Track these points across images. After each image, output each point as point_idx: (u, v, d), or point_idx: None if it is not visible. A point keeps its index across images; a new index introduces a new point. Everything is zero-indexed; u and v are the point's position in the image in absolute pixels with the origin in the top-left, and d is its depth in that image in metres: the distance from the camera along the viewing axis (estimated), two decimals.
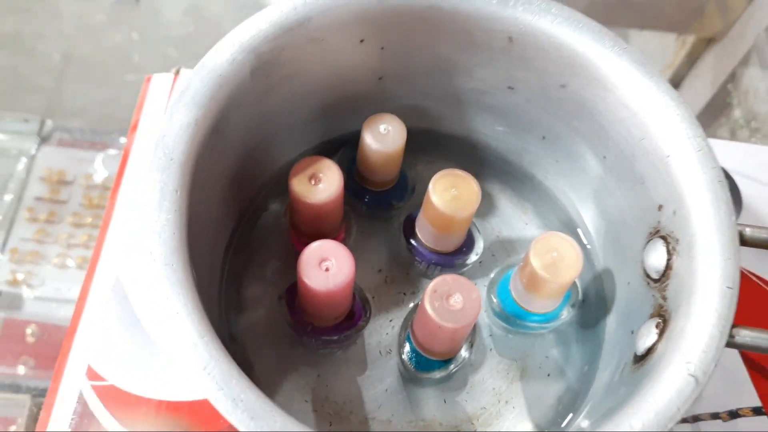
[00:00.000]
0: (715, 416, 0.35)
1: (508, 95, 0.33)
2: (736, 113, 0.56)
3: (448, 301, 0.28)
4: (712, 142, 0.43)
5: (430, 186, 0.31)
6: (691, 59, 0.65)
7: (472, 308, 0.28)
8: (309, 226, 0.31)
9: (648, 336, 0.26)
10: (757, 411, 0.35)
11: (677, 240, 0.26)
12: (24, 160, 0.75)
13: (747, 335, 0.23)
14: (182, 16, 0.80)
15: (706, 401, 0.35)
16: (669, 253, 0.27)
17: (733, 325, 0.23)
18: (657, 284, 0.27)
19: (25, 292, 0.69)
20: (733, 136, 0.58)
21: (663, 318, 0.26)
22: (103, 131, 0.77)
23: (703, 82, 0.63)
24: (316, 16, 0.28)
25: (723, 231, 0.24)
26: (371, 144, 0.32)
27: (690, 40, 0.65)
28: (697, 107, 0.63)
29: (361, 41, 0.30)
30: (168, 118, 0.25)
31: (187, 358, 0.21)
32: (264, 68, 0.28)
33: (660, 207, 0.28)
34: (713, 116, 0.61)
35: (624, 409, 0.22)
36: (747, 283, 0.38)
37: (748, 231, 0.25)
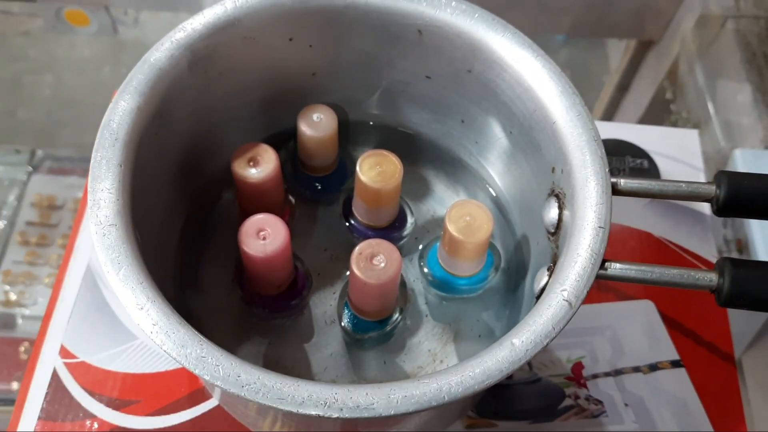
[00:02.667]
0: (636, 370, 0.38)
1: (427, 84, 0.36)
2: (673, 107, 0.60)
3: (371, 261, 0.32)
4: (630, 126, 0.47)
5: (358, 166, 0.34)
6: (635, 62, 0.69)
7: (393, 266, 0.31)
8: (252, 205, 0.35)
9: (542, 279, 0.29)
10: (675, 363, 0.38)
11: (565, 195, 0.30)
12: (16, 188, 0.79)
13: (617, 267, 0.27)
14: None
15: (628, 356, 0.39)
16: (560, 207, 0.30)
17: (605, 259, 0.27)
18: (553, 237, 0.31)
19: (18, 312, 0.72)
20: (674, 126, 0.62)
21: (554, 262, 0.29)
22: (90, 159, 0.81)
23: (646, 83, 0.67)
24: (245, 17, 0.32)
25: (598, 181, 0.28)
26: (306, 131, 0.36)
27: (632, 44, 0.69)
28: (644, 103, 0.67)
29: (290, 39, 0.34)
30: (113, 105, 0.29)
31: (128, 300, 0.25)
32: (200, 64, 0.32)
33: (553, 169, 0.31)
34: (658, 112, 0.65)
35: (510, 332, 0.26)
36: (664, 249, 0.42)
37: (622, 182, 0.29)
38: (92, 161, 0.28)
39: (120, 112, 0.29)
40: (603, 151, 0.29)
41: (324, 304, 0.37)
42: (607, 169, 0.28)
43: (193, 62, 0.31)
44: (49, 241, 0.77)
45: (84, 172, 0.81)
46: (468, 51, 0.33)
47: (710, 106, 0.54)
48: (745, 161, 0.48)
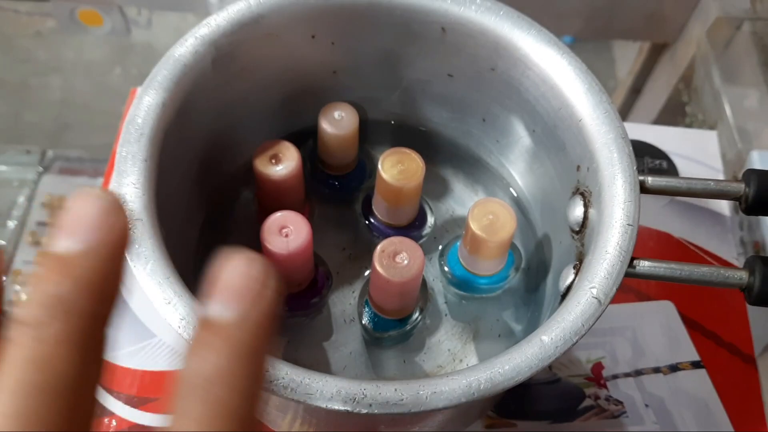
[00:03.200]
0: (656, 370, 0.38)
1: (448, 82, 0.36)
2: (688, 109, 0.60)
3: (394, 259, 0.31)
4: (647, 126, 0.47)
5: (379, 164, 0.34)
6: (649, 65, 0.69)
7: (416, 264, 0.31)
8: (273, 203, 0.35)
9: (568, 278, 0.29)
10: (695, 364, 0.38)
11: (591, 193, 0.30)
12: (26, 188, 0.79)
13: (646, 265, 0.27)
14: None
15: (648, 357, 0.38)
16: (585, 205, 0.30)
17: (634, 257, 0.27)
18: (578, 235, 0.31)
19: None
20: (689, 128, 0.61)
21: (580, 260, 0.29)
22: (102, 159, 0.81)
23: (661, 85, 0.67)
24: (268, 13, 0.32)
25: (625, 178, 0.28)
26: (327, 128, 0.35)
27: (646, 46, 0.69)
28: (657, 106, 0.67)
29: (313, 37, 0.34)
30: (138, 100, 0.29)
31: (155, 294, 0.25)
32: (224, 60, 0.31)
33: (578, 167, 0.31)
34: (672, 115, 0.64)
35: (539, 330, 0.25)
36: (684, 250, 0.42)
37: (649, 180, 0.29)
38: (117, 156, 0.28)
39: (145, 107, 0.28)
40: (630, 148, 0.29)
41: (343, 302, 0.37)
42: (634, 167, 0.28)
43: (217, 58, 0.31)
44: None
45: (95, 173, 0.81)
46: (492, 49, 0.33)
47: (727, 108, 0.54)
48: (763, 162, 0.48)
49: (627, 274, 0.26)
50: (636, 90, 0.72)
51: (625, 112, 0.73)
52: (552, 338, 0.25)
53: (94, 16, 0.67)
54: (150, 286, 0.25)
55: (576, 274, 0.28)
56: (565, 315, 0.25)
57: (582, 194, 0.31)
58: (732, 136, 0.54)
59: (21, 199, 0.79)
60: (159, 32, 0.83)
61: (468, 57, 0.34)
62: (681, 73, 0.63)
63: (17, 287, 0.73)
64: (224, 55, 0.32)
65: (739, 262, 0.41)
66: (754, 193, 0.27)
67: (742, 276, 0.26)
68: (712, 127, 0.57)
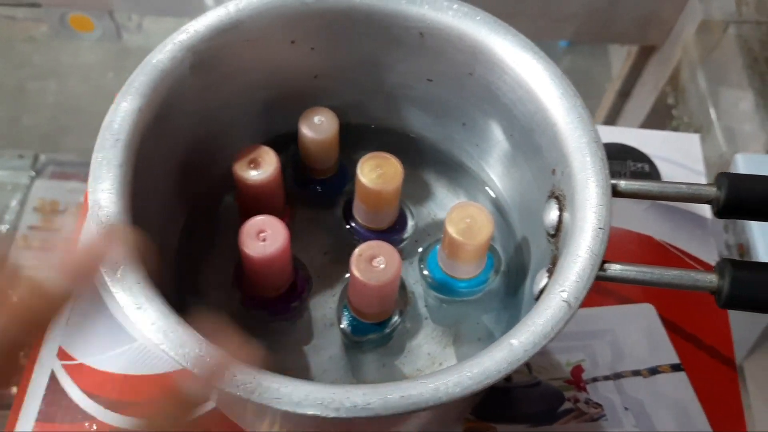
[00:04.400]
0: (636, 373, 0.38)
1: (429, 87, 0.37)
2: (675, 112, 0.60)
3: (371, 262, 0.32)
4: (631, 130, 0.47)
5: (358, 168, 0.34)
6: (637, 68, 0.69)
7: (393, 267, 0.31)
8: (253, 208, 0.35)
9: (542, 281, 0.29)
10: (675, 367, 0.38)
11: (565, 196, 0.30)
12: (19, 193, 0.79)
13: (617, 268, 0.27)
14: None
15: (628, 359, 0.38)
16: (560, 209, 0.30)
17: (605, 261, 0.27)
18: (553, 239, 0.31)
19: None
20: (675, 131, 0.62)
21: (553, 264, 0.29)
22: None
23: (648, 89, 0.67)
24: (246, 19, 0.32)
25: (597, 182, 0.28)
26: (307, 133, 0.36)
27: (634, 50, 0.69)
28: (645, 109, 0.67)
29: (292, 42, 0.34)
30: (114, 106, 0.29)
31: (125, 300, 0.25)
32: (202, 66, 0.32)
33: (554, 171, 0.31)
34: (659, 117, 0.65)
35: (509, 333, 0.26)
36: (665, 253, 0.42)
37: (622, 184, 0.29)
38: (92, 162, 0.28)
39: (122, 114, 0.29)
40: (603, 152, 0.29)
41: (323, 306, 0.37)
42: (607, 171, 0.28)
43: (195, 64, 0.31)
44: (52, 246, 0.78)
45: (87, 177, 0.81)
46: (469, 54, 0.33)
47: (712, 112, 0.54)
48: (747, 166, 0.48)
49: (598, 278, 0.27)
50: (624, 93, 0.72)
51: (613, 116, 0.73)
52: (521, 341, 0.25)
53: (85, 22, 0.67)
54: (120, 291, 0.25)
55: (549, 277, 0.29)
56: (535, 318, 0.25)
57: (557, 198, 0.31)
58: (717, 139, 0.54)
59: (13, 204, 0.79)
60: (153, 36, 0.83)
61: (447, 61, 0.34)
62: (668, 75, 0.63)
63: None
64: (203, 61, 0.32)
65: None
66: (725, 197, 0.27)
67: (712, 279, 0.26)
68: (697, 130, 0.57)
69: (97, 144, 0.28)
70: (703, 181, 0.45)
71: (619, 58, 0.84)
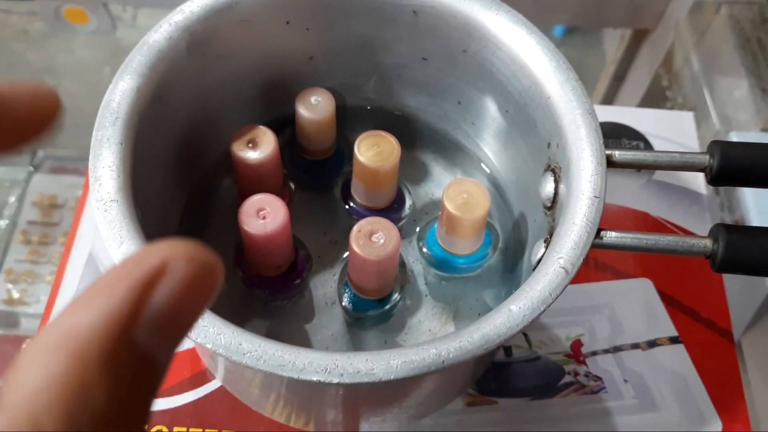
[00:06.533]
0: (635, 346, 0.38)
1: (423, 66, 0.37)
2: (669, 94, 0.60)
3: (370, 238, 0.32)
4: (626, 109, 0.47)
5: (355, 146, 0.35)
6: (630, 52, 0.70)
7: (392, 242, 0.32)
8: (251, 188, 0.35)
9: (539, 251, 0.30)
10: (673, 340, 0.39)
11: (560, 168, 0.30)
12: (17, 188, 0.79)
13: (612, 235, 0.27)
14: None
15: (626, 333, 0.39)
16: (556, 181, 0.31)
17: (601, 228, 0.27)
18: (550, 211, 0.31)
19: (21, 310, 0.72)
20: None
21: (550, 234, 0.30)
22: None
23: (642, 72, 0.68)
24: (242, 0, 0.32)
25: (592, 152, 0.28)
26: (304, 113, 0.36)
27: (628, 34, 0.69)
28: (640, 93, 0.67)
29: (288, 23, 0.35)
30: (113, 86, 0.29)
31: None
32: (199, 46, 0.32)
33: (549, 144, 0.32)
34: (654, 100, 0.65)
35: (507, 300, 0.26)
36: (661, 229, 0.42)
37: (617, 154, 0.29)
38: (93, 141, 0.28)
39: (120, 92, 0.29)
40: (597, 123, 0.29)
41: (324, 285, 0.37)
42: (601, 141, 0.29)
43: (191, 45, 0.32)
44: (51, 240, 0.78)
45: (84, 171, 0.81)
46: (463, 30, 0.34)
47: (706, 92, 0.54)
48: None
49: (594, 245, 0.27)
50: (619, 78, 0.73)
51: (608, 100, 0.73)
52: (520, 307, 0.25)
53: (80, 14, 0.67)
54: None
55: (546, 247, 0.29)
56: (533, 285, 0.26)
57: (553, 170, 0.31)
58: (711, 118, 0.54)
59: (12, 199, 0.79)
60: (148, 30, 0.83)
61: (441, 40, 0.35)
62: (661, 58, 0.63)
63: (9, 285, 0.73)
64: (199, 41, 0.32)
65: None
66: (717, 164, 0.28)
67: (707, 244, 0.27)
68: (692, 109, 0.57)
69: (97, 122, 0.29)
70: None
71: (613, 47, 0.84)
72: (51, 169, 0.82)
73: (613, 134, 0.45)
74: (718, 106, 0.55)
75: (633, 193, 0.43)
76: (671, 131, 0.46)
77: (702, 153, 0.28)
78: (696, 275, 0.41)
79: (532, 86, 0.32)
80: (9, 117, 0.16)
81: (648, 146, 0.45)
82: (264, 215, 0.32)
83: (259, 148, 0.34)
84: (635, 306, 0.39)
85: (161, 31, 0.31)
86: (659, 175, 0.44)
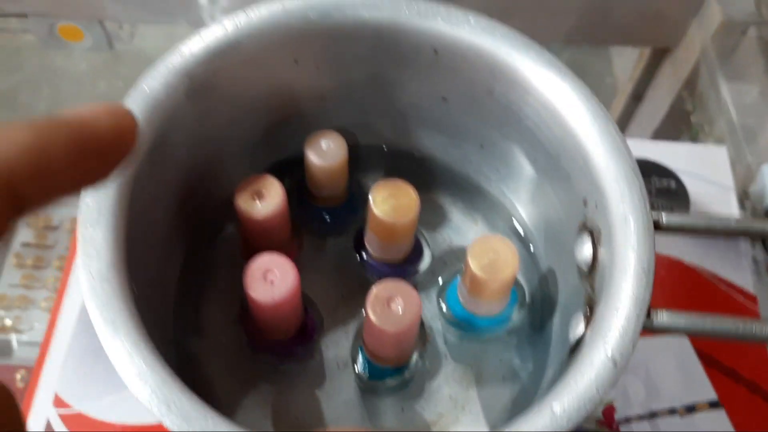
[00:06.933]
0: (672, 412, 0.35)
1: (442, 106, 0.34)
2: (693, 118, 0.57)
3: (388, 305, 0.29)
4: (653, 143, 0.44)
5: (370, 197, 0.32)
6: (650, 70, 0.67)
7: (413, 311, 0.29)
8: (258, 243, 0.32)
9: (577, 327, 0.27)
10: (713, 404, 0.36)
11: (600, 231, 0.27)
12: None
13: (665, 317, 0.24)
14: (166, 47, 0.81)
15: (663, 397, 0.36)
16: (594, 244, 0.28)
17: (651, 308, 0.24)
18: (588, 277, 0.28)
19: (14, 338, 0.69)
20: (694, 140, 0.59)
21: (590, 307, 0.27)
22: None
23: (663, 91, 0.65)
24: (246, 39, 0.29)
25: (637, 218, 0.25)
26: (314, 160, 0.33)
27: (647, 52, 0.66)
28: (660, 114, 0.64)
29: (295, 61, 0.32)
30: None
31: (124, 366, 0.22)
32: (200, 90, 0.29)
33: (585, 201, 0.29)
34: (675, 122, 0.62)
35: (548, 395, 0.23)
36: (697, 279, 0.39)
37: (664, 218, 0.26)
38: (81, 206, 0.25)
39: None
40: (642, 183, 0.26)
41: (336, 346, 0.34)
42: (647, 205, 0.26)
43: (191, 89, 0.29)
44: (45, 263, 0.75)
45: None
46: (488, 71, 0.31)
47: (735, 120, 0.51)
48: None
49: (644, 328, 0.24)
50: (637, 97, 0.70)
51: (625, 119, 0.70)
52: (564, 408, 0.22)
53: (75, 31, 0.64)
54: (119, 357, 0.22)
55: (587, 325, 0.26)
56: (577, 377, 0.23)
57: (590, 232, 0.28)
58: (741, 148, 0.51)
59: None
60: (146, 40, 0.80)
61: (463, 80, 0.32)
62: (684, 79, 0.60)
63: (1, 312, 0.70)
64: (200, 85, 0.29)
65: (756, 290, 0.39)
66: None
67: None
68: (719, 139, 0.54)
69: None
70: (733, 196, 0.42)
71: (620, 51, 0.81)
72: None
73: (643, 172, 0.42)
74: (747, 133, 0.52)
75: (664, 239, 0.40)
76: (704, 167, 0.43)
77: (761, 219, 0.25)
78: None
79: (566, 136, 0.29)
80: (96, 145, 0.15)
81: (680, 185, 0.42)
82: (272, 279, 0.29)
83: (265, 200, 0.31)
84: (671, 366, 0.36)
85: (157, 77, 0.28)
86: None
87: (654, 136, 0.64)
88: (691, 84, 0.58)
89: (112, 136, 0.16)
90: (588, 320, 0.26)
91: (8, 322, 0.71)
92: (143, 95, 0.27)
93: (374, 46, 0.31)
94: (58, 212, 0.78)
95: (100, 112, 0.16)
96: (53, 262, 0.74)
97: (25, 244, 0.74)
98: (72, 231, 0.76)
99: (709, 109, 0.54)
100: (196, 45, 0.29)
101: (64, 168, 0.14)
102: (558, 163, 0.30)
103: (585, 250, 0.28)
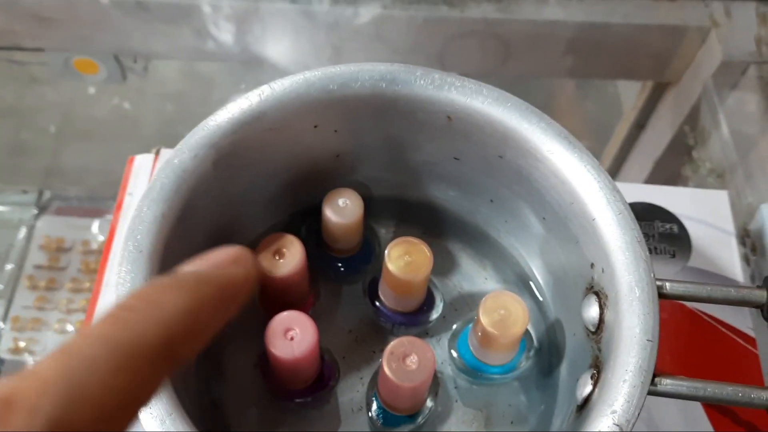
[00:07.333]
0: None
1: (455, 165, 0.35)
2: (695, 153, 0.59)
3: (404, 361, 0.30)
4: (656, 187, 0.46)
5: (386, 254, 0.33)
6: (652, 102, 0.68)
7: (427, 367, 0.30)
8: (278, 298, 0.34)
9: (585, 386, 0.28)
10: None
11: (606, 296, 0.29)
12: (23, 229, 0.78)
13: (668, 383, 0.26)
14: (178, 79, 0.83)
15: None
16: (601, 307, 0.29)
17: (656, 374, 0.26)
18: (594, 336, 0.30)
19: (28, 359, 0.71)
20: (695, 175, 0.61)
21: (597, 369, 0.28)
22: (98, 198, 0.80)
23: (665, 123, 0.66)
24: (270, 110, 0.31)
25: (642, 287, 0.27)
26: (331, 217, 0.34)
27: (649, 84, 0.68)
28: (661, 147, 0.66)
29: (315, 126, 0.33)
30: (137, 213, 0.28)
31: (149, 422, 0.24)
32: (225, 159, 0.31)
33: (592, 265, 0.30)
34: (677, 154, 0.64)
35: None
36: (698, 321, 0.41)
37: (667, 285, 0.28)
38: (117, 276, 0.27)
39: (145, 221, 0.28)
40: (647, 253, 0.28)
41: (351, 390, 0.36)
42: (652, 275, 0.27)
43: (218, 159, 0.30)
44: (58, 285, 0.76)
45: (93, 212, 0.80)
46: (500, 138, 0.32)
47: (735, 156, 0.53)
48: None
49: (648, 393, 0.25)
50: (640, 126, 0.71)
51: (627, 147, 0.72)
52: None
53: (89, 65, 0.66)
54: (151, 425, 0.24)
55: (594, 386, 0.28)
56: None
57: (597, 294, 0.30)
58: (741, 186, 0.53)
59: (18, 241, 0.78)
60: (158, 73, 0.82)
61: (475, 144, 0.33)
62: (686, 114, 0.62)
63: (15, 334, 0.72)
64: (226, 154, 0.31)
65: (756, 332, 0.41)
66: None
67: None
68: (720, 176, 0.56)
69: (120, 256, 0.27)
70: (733, 241, 0.44)
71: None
72: (57, 211, 0.81)
73: (647, 216, 0.44)
74: (747, 171, 0.54)
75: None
76: (705, 212, 0.44)
77: (758, 287, 0.27)
78: (733, 372, 0.39)
79: (575, 203, 0.30)
80: (235, 296, 0.17)
81: (682, 229, 0.43)
82: (292, 336, 0.31)
83: (285, 258, 0.33)
84: (672, 407, 0.38)
85: (185, 150, 0.29)
86: (695, 260, 0.43)
87: (656, 166, 0.66)
88: (692, 119, 0.60)
89: (244, 284, 0.17)
90: (595, 382, 0.28)
91: (22, 344, 0.73)
92: (173, 167, 0.29)
93: (391, 113, 0.33)
94: (70, 234, 0.79)
95: (231, 261, 0.17)
96: (66, 283, 0.76)
97: (38, 266, 0.76)
98: (84, 252, 0.77)
99: (710, 146, 0.56)
100: (222, 116, 0.30)
101: (212, 324, 0.16)
102: (566, 225, 0.32)
103: (592, 311, 0.30)
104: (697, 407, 0.38)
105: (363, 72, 0.31)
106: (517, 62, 0.64)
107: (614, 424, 0.24)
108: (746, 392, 0.25)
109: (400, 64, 0.32)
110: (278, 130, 0.32)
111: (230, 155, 0.31)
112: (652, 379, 0.26)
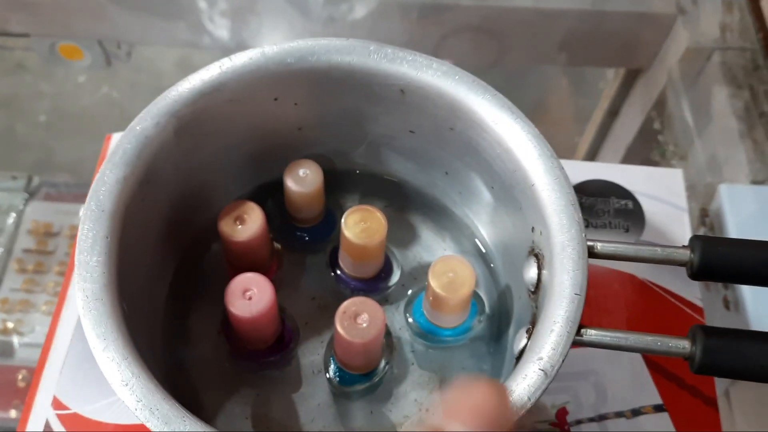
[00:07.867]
0: (619, 415, 0.39)
1: (410, 138, 0.37)
2: (661, 138, 0.60)
3: (355, 320, 0.32)
4: (614, 166, 0.47)
5: (342, 221, 0.35)
6: (625, 88, 0.70)
7: (377, 325, 0.32)
8: (240, 262, 0.36)
9: (521, 340, 0.30)
10: (658, 408, 0.39)
11: (543, 256, 0.30)
12: (13, 215, 0.79)
13: (593, 334, 0.27)
14: (173, 69, 0.84)
15: (611, 401, 0.39)
16: (539, 268, 0.31)
17: (582, 326, 0.27)
18: (534, 296, 0.32)
19: (16, 340, 0.72)
20: (663, 159, 0.62)
21: (533, 324, 0.30)
22: (86, 184, 0.81)
23: (636, 109, 0.68)
24: (230, 81, 0.33)
25: (574, 246, 0.29)
26: (292, 186, 0.36)
27: (622, 71, 0.70)
28: (632, 131, 0.68)
29: (276, 99, 0.35)
30: (100, 175, 0.30)
31: (113, 376, 0.25)
32: (186, 128, 0.32)
33: (533, 228, 0.32)
34: (646, 140, 0.65)
35: None
36: (648, 292, 0.43)
37: (599, 246, 0.29)
38: (79, 233, 0.28)
39: (107, 183, 0.29)
40: (580, 215, 0.30)
41: (312, 353, 0.38)
42: (583, 235, 0.29)
43: (179, 127, 0.32)
44: (46, 269, 0.78)
45: (81, 198, 0.82)
46: (449, 110, 0.34)
47: (696, 140, 0.55)
48: (731, 197, 0.49)
49: (574, 343, 0.27)
50: (613, 113, 0.73)
51: (602, 135, 0.73)
52: None
53: (75, 51, 0.67)
54: (108, 367, 0.25)
55: (528, 339, 0.29)
56: (512, 387, 0.26)
57: (536, 256, 0.31)
58: (702, 168, 0.55)
59: (7, 226, 0.79)
60: (142, 59, 0.83)
61: (427, 117, 0.35)
62: (654, 99, 0.63)
63: (4, 315, 0.73)
64: (187, 123, 0.32)
65: (704, 303, 0.42)
66: (698, 260, 0.28)
67: (685, 345, 0.27)
68: (683, 158, 0.58)
69: (83, 214, 0.29)
70: (686, 217, 0.45)
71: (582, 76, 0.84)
72: (46, 196, 0.82)
73: (603, 192, 0.46)
74: (709, 154, 0.56)
75: None
76: (660, 189, 0.46)
77: (683, 247, 0.29)
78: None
79: (517, 170, 0.32)
80: None
81: (637, 205, 0.45)
82: (250, 296, 0.32)
83: (246, 224, 0.35)
84: (620, 373, 0.39)
85: (148, 118, 0.31)
86: (648, 235, 0.44)
87: (627, 152, 0.67)
88: (660, 105, 0.61)
89: None
90: (530, 335, 0.29)
91: (10, 324, 0.74)
92: (135, 134, 0.30)
93: (347, 85, 0.34)
94: (58, 219, 0.81)
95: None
96: (53, 267, 0.77)
97: (27, 250, 0.78)
98: (72, 237, 0.79)
99: (675, 130, 0.57)
100: (183, 87, 0.32)
101: None
102: (512, 193, 0.33)
103: (531, 272, 0.31)
104: (645, 373, 0.40)
105: (319, 46, 0.33)
106: (510, 54, 0.65)
107: (540, 369, 0.26)
108: (665, 342, 0.27)
109: (355, 39, 0.34)
110: (239, 101, 0.34)
111: (192, 124, 0.33)
112: (578, 330, 0.27)
